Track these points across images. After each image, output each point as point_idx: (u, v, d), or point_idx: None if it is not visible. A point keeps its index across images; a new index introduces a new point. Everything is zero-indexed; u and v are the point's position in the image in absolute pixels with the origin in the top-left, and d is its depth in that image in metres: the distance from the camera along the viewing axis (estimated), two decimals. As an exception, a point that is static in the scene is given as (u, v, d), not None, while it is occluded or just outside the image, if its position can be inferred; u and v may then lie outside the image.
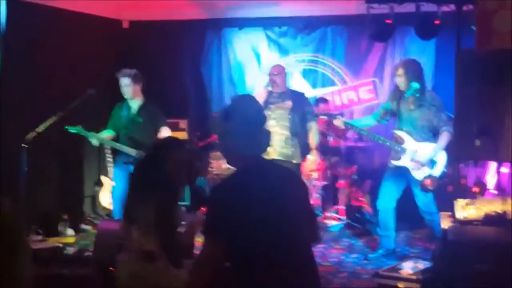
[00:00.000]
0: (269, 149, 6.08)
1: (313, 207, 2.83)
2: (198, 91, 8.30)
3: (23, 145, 5.79)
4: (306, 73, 8.06)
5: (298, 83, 7.96)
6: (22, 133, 5.85)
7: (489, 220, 3.54)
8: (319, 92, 7.94)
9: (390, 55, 7.70)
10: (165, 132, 5.98)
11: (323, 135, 7.06)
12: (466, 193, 4.79)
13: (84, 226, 7.05)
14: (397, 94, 5.60)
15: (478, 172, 5.85)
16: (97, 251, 4.82)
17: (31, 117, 6.10)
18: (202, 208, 2.96)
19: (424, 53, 7.29)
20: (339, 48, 7.92)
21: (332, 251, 6.08)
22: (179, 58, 8.16)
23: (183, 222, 3.89)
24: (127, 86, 5.97)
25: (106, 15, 7.66)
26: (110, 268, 3.54)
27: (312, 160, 6.15)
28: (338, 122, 5.73)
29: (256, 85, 7.99)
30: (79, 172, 7.51)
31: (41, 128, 5.84)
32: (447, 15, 5.92)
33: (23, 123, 6.03)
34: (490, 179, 5.73)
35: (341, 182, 7.15)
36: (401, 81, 5.48)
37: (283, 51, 8.07)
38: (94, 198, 7.50)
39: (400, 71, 5.49)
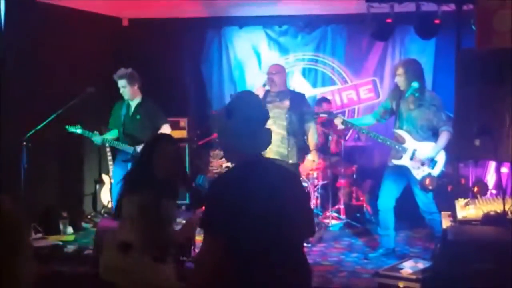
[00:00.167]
0: (270, 148, 6.09)
1: (309, 204, 2.83)
2: (198, 90, 8.30)
3: (23, 143, 5.82)
4: (306, 72, 8.06)
5: (298, 82, 7.96)
6: (22, 131, 5.86)
7: (489, 219, 3.53)
8: (319, 91, 7.94)
9: (390, 54, 7.71)
10: (165, 130, 5.99)
11: (324, 134, 7.07)
12: (466, 193, 4.78)
13: (84, 224, 7.06)
14: (397, 94, 5.61)
15: (478, 171, 5.84)
16: (97, 249, 4.84)
17: (31, 115, 6.11)
18: (202, 207, 2.97)
19: (424, 53, 7.30)
20: (339, 47, 7.93)
21: (332, 250, 6.09)
22: (179, 56, 8.16)
23: (179, 220, 3.92)
24: (124, 88, 6.01)
25: (106, 13, 7.66)
26: None
27: (311, 160, 6.14)
28: (338, 121, 5.73)
29: (256, 84, 7.98)
30: (79, 170, 7.51)
31: (41, 126, 5.86)
32: (447, 14, 5.92)
33: (23, 121, 6.04)
34: (490, 179, 5.73)
35: (341, 182, 7.15)
36: (401, 80, 5.48)
37: (283, 50, 8.07)
38: (94, 196, 7.51)
39: (400, 70, 5.49)
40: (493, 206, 3.67)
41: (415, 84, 5.40)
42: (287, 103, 5.94)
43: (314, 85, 8.03)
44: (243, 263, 2.37)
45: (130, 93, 6.04)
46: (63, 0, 6.69)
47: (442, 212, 4.16)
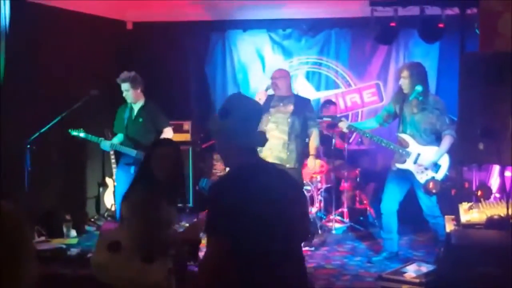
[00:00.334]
0: (266, 152, 6.10)
1: (306, 206, 2.82)
2: (202, 93, 8.31)
3: (27, 146, 5.83)
4: (310, 76, 8.06)
5: (302, 85, 7.96)
6: (26, 134, 5.88)
7: (493, 223, 3.53)
8: (323, 94, 7.94)
9: (394, 58, 7.71)
10: (168, 133, 5.99)
11: (327, 138, 7.06)
12: (470, 197, 4.77)
13: (87, 227, 7.07)
14: (401, 97, 5.60)
15: (481, 175, 5.83)
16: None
17: (35, 118, 6.13)
18: (205, 210, 3.00)
19: (428, 56, 7.29)
20: (343, 50, 7.93)
21: (336, 254, 6.08)
22: (183, 59, 8.17)
23: (183, 223, 3.94)
24: (127, 91, 6.02)
25: (110, 16, 7.67)
26: None
27: (312, 164, 6.09)
28: (342, 125, 5.72)
29: (260, 87, 7.99)
30: (82, 173, 7.53)
31: (45, 129, 5.88)
32: (451, 18, 5.92)
33: (27, 124, 6.06)
34: (494, 183, 5.72)
35: (345, 185, 7.14)
36: (406, 83, 5.47)
37: (287, 53, 8.08)
38: (98, 199, 7.52)
39: (405, 73, 5.48)
40: (497, 210, 3.67)
41: (418, 88, 5.39)
42: (290, 108, 5.92)
43: (318, 88, 8.03)
44: (243, 265, 2.38)
45: (133, 96, 6.05)
46: (68, 2, 6.71)
47: (446, 216, 4.15)
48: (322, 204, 7.08)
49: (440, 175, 5.43)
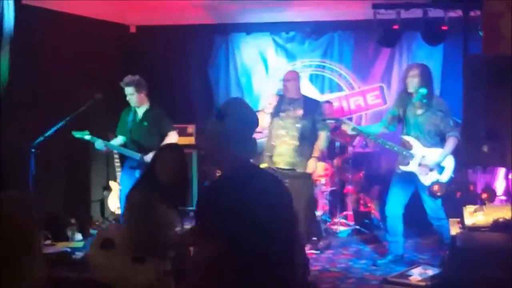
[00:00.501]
0: (278, 158, 6.11)
1: (296, 213, 2.81)
2: (205, 96, 8.31)
3: (31, 150, 5.84)
4: (313, 79, 8.06)
5: (305, 88, 7.96)
6: (30, 138, 5.89)
7: (498, 226, 3.52)
8: (326, 97, 7.93)
9: (397, 60, 7.70)
10: (172, 137, 6.00)
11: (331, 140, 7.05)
12: (475, 199, 4.76)
13: (92, 231, 7.07)
14: (404, 99, 5.59)
15: (486, 178, 5.82)
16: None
17: (39, 121, 6.14)
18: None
19: (431, 59, 7.27)
20: (347, 53, 7.92)
21: (340, 257, 6.07)
22: (187, 63, 8.18)
23: (186, 225, 3.95)
24: (131, 95, 6.01)
25: (113, 20, 7.69)
26: None
27: (314, 165, 6.05)
28: (347, 128, 5.70)
29: (263, 90, 8.00)
30: (87, 177, 7.54)
31: (49, 133, 5.88)
32: (454, 20, 5.91)
33: (31, 128, 6.07)
34: (499, 185, 5.71)
35: (349, 188, 7.13)
36: (414, 81, 5.42)
37: (290, 56, 8.08)
38: (102, 203, 7.52)
39: (415, 72, 5.46)
40: (502, 212, 3.65)
41: (422, 90, 5.38)
42: (299, 112, 5.92)
43: (322, 91, 8.02)
44: (234, 267, 2.38)
45: (137, 100, 6.05)
46: (71, 6, 6.73)
47: (451, 219, 4.14)
48: (326, 207, 7.07)
49: (444, 177, 5.42)
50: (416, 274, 4.68)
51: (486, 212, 3.72)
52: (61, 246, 6.17)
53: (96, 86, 6.62)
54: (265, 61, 8.15)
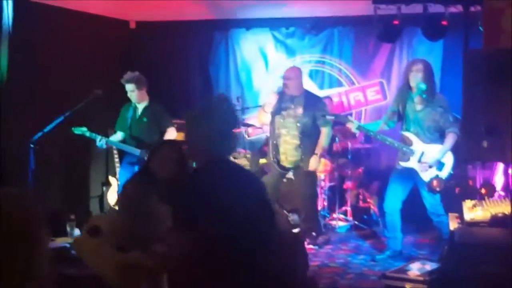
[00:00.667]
0: (281, 157, 6.12)
1: (273, 210, 2.80)
2: (205, 92, 8.30)
3: (30, 145, 5.83)
4: (313, 74, 8.05)
5: (305, 84, 7.94)
6: (30, 134, 5.88)
7: (496, 221, 3.52)
8: (326, 93, 7.92)
9: (397, 56, 7.69)
10: (171, 133, 6.00)
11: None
12: (474, 195, 4.76)
13: (91, 226, 7.06)
14: (404, 95, 5.58)
15: (485, 173, 5.82)
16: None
17: (38, 117, 6.13)
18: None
19: (431, 54, 7.26)
20: (346, 49, 7.91)
21: (339, 252, 6.07)
22: (186, 58, 8.17)
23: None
24: (132, 92, 6.02)
25: (113, 16, 7.67)
26: None
27: (317, 162, 6.03)
28: (352, 126, 5.68)
29: (263, 85, 7.99)
30: (86, 172, 7.53)
31: (48, 128, 5.88)
32: (454, 16, 5.90)
33: (30, 124, 6.06)
34: (498, 181, 5.71)
35: (348, 183, 7.13)
36: (418, 76, 5.40)
37: (290, 52, 8.07)
38: (101, 199, 7.52)
39: (419, 66, 5.43)
40: (501, 208, 3.65)
41: (422, 86, 5.37)
42: (299, 110, 5.90)
43: (321, 87, 8.01)
44: (208, 259, 2.38)
45: (137, 97, 6.06)
46: (71, 2, 6.72)
47: (450, 214, 4.14)
48: (325, 203, 7.07)
49: (444, 173, 5.41)
50: (415, 269, 4.68)
51: (485, 207, 3.72)
52: (60, 242, 6.16)
53: (95, 82, 6.60)
54: (265, 57, 8.14)
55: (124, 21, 8.06)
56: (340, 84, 7.99)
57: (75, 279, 5.01)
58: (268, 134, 6.32)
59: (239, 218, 2.40)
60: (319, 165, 6.04)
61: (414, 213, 5.87)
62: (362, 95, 7.94)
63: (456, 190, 5.36)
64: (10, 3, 5.92)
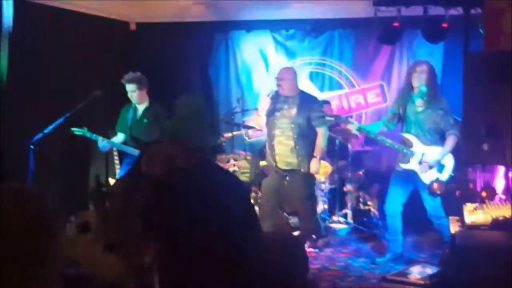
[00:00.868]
0: (277, 158, 6.09)
1: (251, 209, 2.79)
2: (205, 93, 8.30)
3: (30, 146, 5.82)
4: (313, 76, 8.05)
5: (305, 86, 7.94)
6: (29, 135, 5.87)
7: (497, 224, 3.51)
8: (326, 95, 7.92)
9: (397, 58, 7.68)
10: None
11: (330, 138, 7.03)
12: (475, 198, 4.74)
13: (90, 228, 7.05)
14: (405, 97, 5.57)
15: (486, 176, 5.80)
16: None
17: (38, 118, 6.12)
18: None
19: (432, 56, 7.24)
20: (347, 51, 7.90)
21: (340, 255, 6.06)
22: (187, 60, 8.16)
23: None
24: (133, 92, 6.02)
25: (113, 17, 7.67)
26: None
27: (317, 166, 5.97)
28: (352, 127, 5.66)
29: (263, 87, 7.99)
30: (86, 174, 7.52)
31: (48, 130, 5.87)
32: (455, 18, 5.89)
33: (30, 125, 6.05)
34: (499, 184, 5.69)
35: (349, 186, 7.12)
36: (421, 78, 5.39)
37: (290, 54, 8.06)
38: (101, 200, 7.49)
39: (423, 67, 5.43)
40: (502, 211, 3.64)
41: (423, 88, 5.37)
42: (294, 110, 5.85)
43: (322, 89, 8.01)
44: (195, 260, 2.37)
45: (138, 97, 6.06)
46: (71, 3, 6.71)
47: (450, 217, 4.13)
48: (325, 205, 7.05)
49: (444, 175, 5.40)
50: (415, 272, 4.68)
51: (485, 211, 3.71)
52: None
53: (95, 83, 6.60)
54: (265, 59, 8.14)
55: (124, 22, 8.05)
56: (340, 87, 7.98)
57: (74, 279, 5.01)
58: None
59: (216, 219, 2.38)
60: (319, 168, 5.99)
61: (414, 216, 5.85)
62: (362, 97, 7.93)
63: (456, 193, 5.34)
64: (11, 4, 5.91)
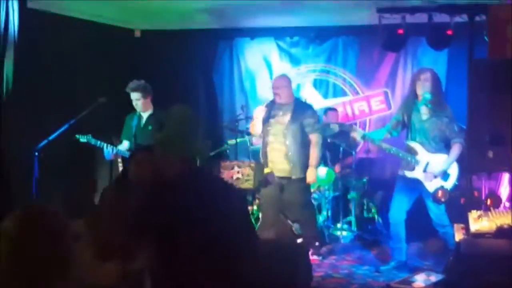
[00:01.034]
0: (270, 165, 6.06)
1: (246, 216, 2.77)
2: (209, 101, 8.31)
3: (35, 153, 5.83)
4: (317, 83, 8.05)
5: (309, 93, 7.95)
6: (34, 142, 5.89)
7: (502, 232, 3.50)
8: (330, 102, 7.92)
9: (402, 65, 7.67)
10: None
11: (334, 145, 7.02)
12: (479, 205, 4.73)
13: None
14: (410, 104, 5.56)
15: (491, 184, 5.79)
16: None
17: (43, 125, 6.14)
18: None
19: (436, 64, 7.23)
20: (351, 58, 7.90)
21: (343, 263, 6.04)
22: (191, 67, 8.18)
23: None
24: (138, 100, 6.02)
25: (118, 24, 7.70)
26: None
27: (314, 175, 5.91)
28: (357, 135, 5.66)
29: (267, 94, 7.98)
30: (91, 180, 7.52)
31: (53, 136, 5.88)
32: (459, 25, 5.89)
33: (35, 132, 6.07)
34: (504, 191, 5.67)
35: (353, 193, 7.10)
36: (425, 85, 5.39)
37: (295, 61, 8.07)
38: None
39: (427, 75, 5.43)
40: (507, 219, 3.63)
41: (427, 96, 5.36)
42: (288, 117, 5.86)
43: (326, 96, 8.00)
44: (188, 266, 2.36)
45: (143, 105, 6.07)
46: (76, 10, 6.74)
47: (455, 225, 4.12)
48: (329, 213, 7.03)
49: (449, 183, 5.38)
50: (420, 280, 4.65)
51: (490, 218, 3.70)
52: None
53: (100, 90, 6.62)
54: (269, 66, 8.14)
55: (129, 30, 8.08)
56: (344, 94, 7.97)
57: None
58: None
59: (205, 227, 2.38)
60: (315, 177, 5.96)
61: (419, 224, 5.83)
62: (366, 104, 7.92)
63: (461, 201, 5.32)
64: (16, 11, 5.94)
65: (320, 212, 6.85)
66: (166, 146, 2.56)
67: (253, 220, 6.14)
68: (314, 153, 5.87)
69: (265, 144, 5.99)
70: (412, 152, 5.50)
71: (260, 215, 6.37)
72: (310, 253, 5.88)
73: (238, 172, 6.88)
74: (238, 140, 7.07)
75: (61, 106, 6.43)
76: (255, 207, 6.76)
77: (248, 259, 2.50)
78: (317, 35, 7.91)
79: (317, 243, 6.18)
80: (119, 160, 6.99)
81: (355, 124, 7.73)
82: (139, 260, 2.43)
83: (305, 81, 8.02)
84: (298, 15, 7.28)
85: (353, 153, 7.12)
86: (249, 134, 7.18)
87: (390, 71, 7.76)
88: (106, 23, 7.41)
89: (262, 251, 2.62)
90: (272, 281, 2.51)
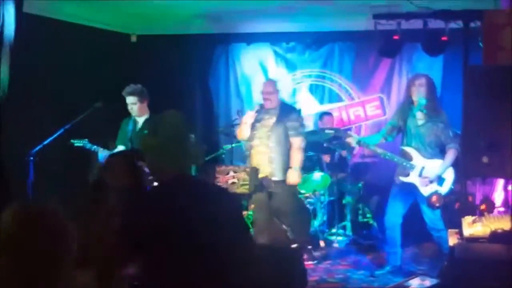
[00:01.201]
0: (260, 168, 6.03)
1: (242, 225, 2.76)
2: (205, 106, 8.32)
3: (30, 158, 5.83)
4: (313, 89, 8.07)
5: (305, 98, 7.97)
6: (29, 146, 5.88)
7: (496, 237, 3.51)
8: (326, 107, 7.94)
9: (397, 71, 7.71)
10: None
11: (329, 150, 7.04)
12: (473, 210, 4.75)
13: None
14: (406, 110, 5.59)
15: (485, 189, 5.80)
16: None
17: (38, 130, 6.13)
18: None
19: (431, 69, 7.27)
20: (347, 64, 7.93)
21: (338, 268, 6.04)
22: (187, 72, 8.19)
23: None
24: (134, 104, 6.01)
25: (114, 29, 7.70)
26: None
27: (295, 176, 5.88)
28: (352, 140, 5.68)
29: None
30: (85, 185, 7.50)
31: (48, 141, 5.88)
32: (454, 31, 5.91)
33: (30, 136, 6.06)
34: (498, 197, 5.69)
35: (348, 198, 7.11)
36: (421, 91, 5.42)
37: (291, 66, 8.09)
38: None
39: (422, 81, 5.46)
40: (501, 223, 3.65)
41: (422, 101, 5.39)
42: (272, 120, 5.88)
43: (321, 101, 8.03)
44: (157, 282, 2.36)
45: (138, 110, 6.05)
46: (72, 15, 6.75)
47: (449, 230, 4.13)
48: (325, 218, 7.04)
49: (444, 188, 5.40)
50: (414, 285, 4.67)
51: (484, 223, 3.72)
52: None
53: (96, 95, 6.62)
54: (265, 71, 8.16)
55: (125, 34, 8.09)
56: (340, 99, 8.00)
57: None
58: None
59: (197, 235, 2.37)
60: (297, 178, 5.95)
61: (414, 228, 5.84)
62: (362, 110, 7.95)
63: (456, 206, 5.34)
64: (12, 15, 5.94)
65: (315, 216, 6.85)
66: (154, 151, 2.54)
67: (249, 224, 6.13)
68: (295, 156, 5.85)
69: (251, 148, 6.01)
70: (408, 157, 5.52)
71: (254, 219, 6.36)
72: (304, 257, 5.89)
73: (233, 177, 6.87)
74: (234, 145, 7.07)
75: (57, 111, 6.43)
76: (249, 212, 6.75)
77: (244, 264, 2.50)
78: (313, 41, 7.94)
79: (309, 247, 6.18)
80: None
81: (350, 129, 7.76)
82: (131, 267, 2.43)
83: (301, 86, 8.04)
84: (294, 21, 7.32)
85: (349, 158, 7.13)
86: (235, 138, 7.18)
87: (385, 77, 7.79)
88: (102, 28, 7.42)
89: (257, 255, 2.62)
90: (267, 286, 2.52)
